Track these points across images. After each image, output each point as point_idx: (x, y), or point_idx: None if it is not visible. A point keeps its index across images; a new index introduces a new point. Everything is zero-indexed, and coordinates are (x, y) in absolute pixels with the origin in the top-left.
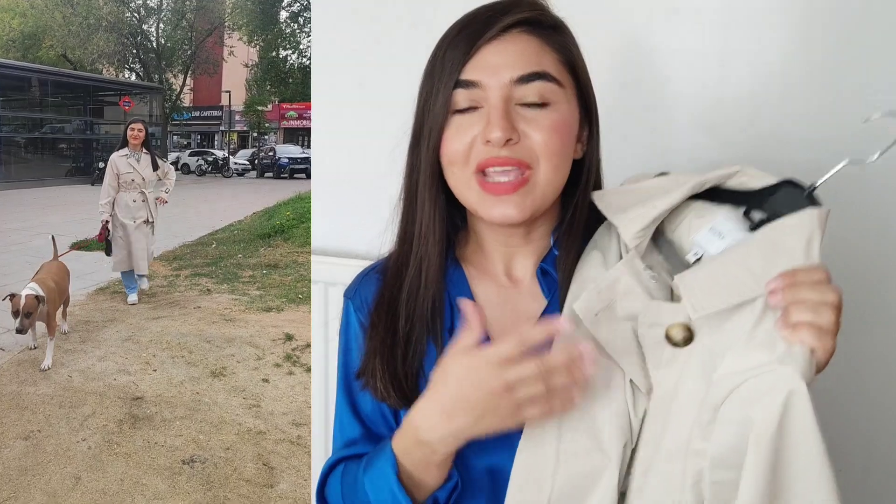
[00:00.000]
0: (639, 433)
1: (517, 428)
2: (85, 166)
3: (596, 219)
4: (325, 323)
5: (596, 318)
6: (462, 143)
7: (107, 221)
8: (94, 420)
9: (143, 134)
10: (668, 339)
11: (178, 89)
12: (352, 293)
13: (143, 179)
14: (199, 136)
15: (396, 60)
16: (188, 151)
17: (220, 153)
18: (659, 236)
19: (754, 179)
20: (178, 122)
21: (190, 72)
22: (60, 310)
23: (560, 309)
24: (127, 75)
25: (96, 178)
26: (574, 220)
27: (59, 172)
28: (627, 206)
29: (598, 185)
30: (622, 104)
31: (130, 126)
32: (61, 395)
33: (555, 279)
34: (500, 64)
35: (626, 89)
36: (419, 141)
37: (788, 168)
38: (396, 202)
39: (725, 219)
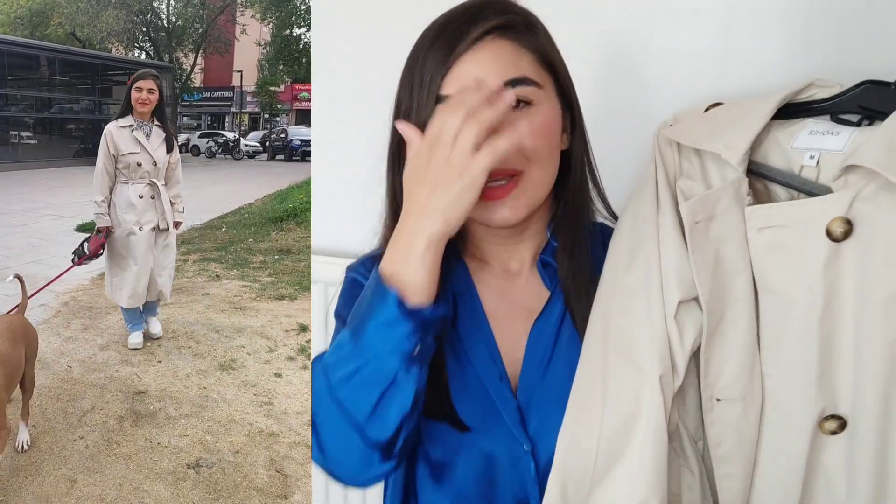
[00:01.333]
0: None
1: (482, 189)
2: (93, 147)
3: (589, 207)
4: (325, 323)
5: (696, 225)
6: None
7: (107, 229)
8: (93, 416)
9: (155, 96)
10: (829, 234)
11: (189, 69)
12: (357, 265)
13: (155, 164)
14: (209, 118)
15: (397, 61)
16: (198, 133)
17: (230, 135)
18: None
19: (824, 90)
20: (188, 103)
21: (201, 51)
22: (24, 401)
23: (563, 299)
24: (136, 54)
25: None
26: (569, 210)
27: (67, 153)
28: (714, 134)
29: (591, 175)
30: (621, 103)
31: (137, 85)
32: (59, 387)
33: (556, 270)
34: (477, 75)
35: (625, 88)
36: (399, 157)
37: None
38: (383, 206)
39: (820, 122)
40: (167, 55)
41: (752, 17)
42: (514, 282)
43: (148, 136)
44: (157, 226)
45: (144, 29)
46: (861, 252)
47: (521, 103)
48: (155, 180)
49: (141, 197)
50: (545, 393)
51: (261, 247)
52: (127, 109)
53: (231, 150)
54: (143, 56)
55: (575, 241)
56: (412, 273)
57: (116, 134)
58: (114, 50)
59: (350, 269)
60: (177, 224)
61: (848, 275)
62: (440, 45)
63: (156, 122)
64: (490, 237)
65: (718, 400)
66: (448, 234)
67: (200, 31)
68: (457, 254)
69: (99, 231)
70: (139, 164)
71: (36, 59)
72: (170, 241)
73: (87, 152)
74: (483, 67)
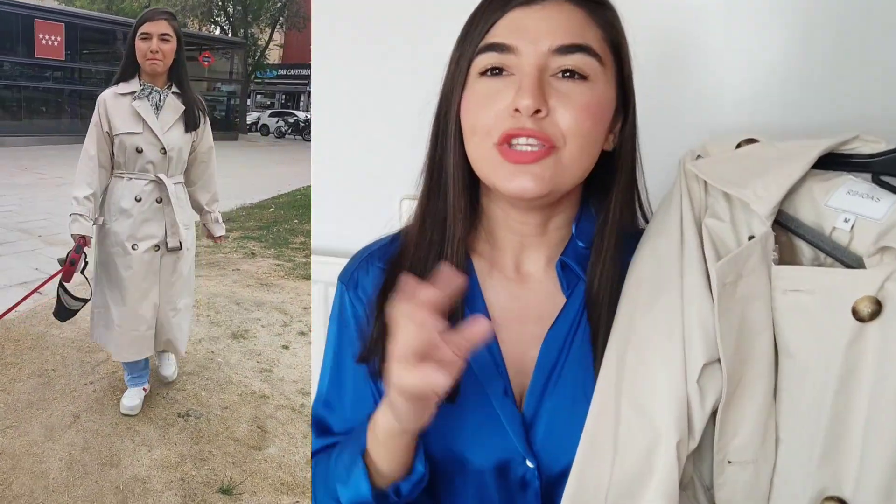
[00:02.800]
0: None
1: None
2: None
3: (630, 218)
4: (325, 323)
5: (724, 287)
6: (488, 112)
7: (82, 239)
8: (105, 366)
9: (170, 46)
10: (855, 313)
11: (264, 45)
12: (347, 278)
13: (164, 152)
14: (283, 97)
15: (398, 61)
16: (269, 112)
17: (302, 115)
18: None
19: (868, 145)
20: (260, 81)
21: (278, 26)
22: None
23: (580, 307)
24: (211, 29)
25: None
26: (610, 218)
27: None
28: (744, 178)
29: (635, 182)
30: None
31: (143, 30)
32: (81, 339)
33: (578, 275)
34: (539, 30)
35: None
36: (445, 111)
37: None
38: (418, 178)
39: (859, 182)
40: (242, 30)
41: (753, 17)
42: (526, 284)
43: (158, 108)
44: (164, 243)
45: (220, 3)
46: (885, 335)
47: (576, 75)
48: (162, 176)
49: (138, 200)
50: (552, 407)
51: (304, 228)
52: (130, 69)
53: (301, 130)
54: (218, 31)
55: (612, 251)
56: (381, 460)
57: (112, 105)
58: (189, 25)
59: (342, 279)
60: (219, 238)
61: (869, 356)
62: None
63: (173, 89)
64: (507, 224)
65: (730, 462)
66: (410, 433)
67: (278, 5)
68: (465, 253)
69: (78, 245)
70: (139, 151)
71: (111, 34)
72: (181, 268)
73: None
74: (547, 24)
